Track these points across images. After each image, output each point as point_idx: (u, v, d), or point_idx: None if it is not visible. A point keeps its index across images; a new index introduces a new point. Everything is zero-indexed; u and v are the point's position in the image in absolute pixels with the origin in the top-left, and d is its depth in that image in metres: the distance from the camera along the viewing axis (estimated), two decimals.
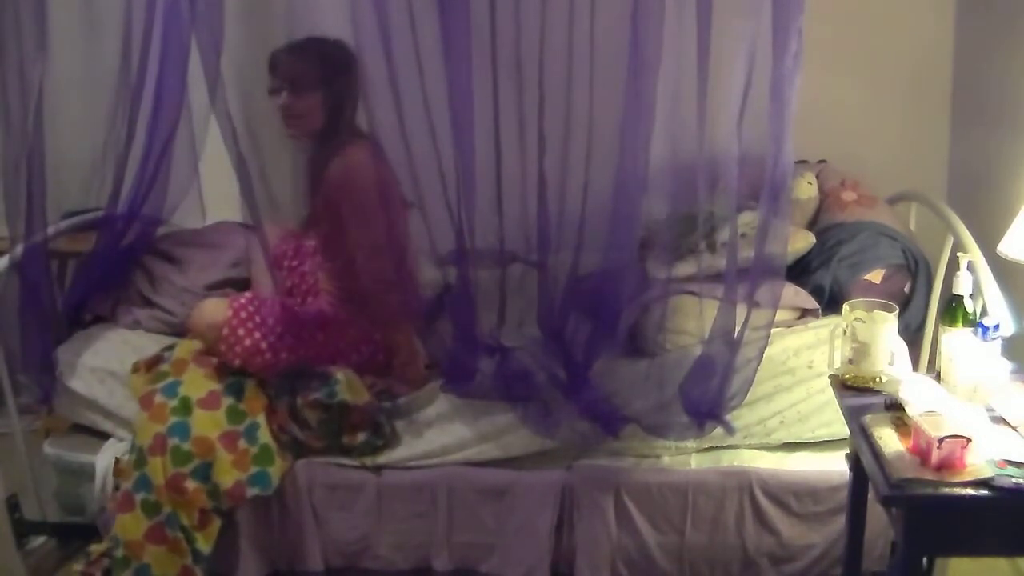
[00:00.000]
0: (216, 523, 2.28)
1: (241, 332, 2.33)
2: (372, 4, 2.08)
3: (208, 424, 2.28)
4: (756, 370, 2.18)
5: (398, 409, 2.38)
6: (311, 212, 2.49)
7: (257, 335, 2.33)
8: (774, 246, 2.10)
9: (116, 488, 2.33)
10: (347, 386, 2.33)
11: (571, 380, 2.28)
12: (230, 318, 2.33)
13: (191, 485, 2.25)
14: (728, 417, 2.24)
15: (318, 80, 2.33)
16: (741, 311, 2.15)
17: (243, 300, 2.38)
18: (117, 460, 2.36)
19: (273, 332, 2.34)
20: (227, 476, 2.26)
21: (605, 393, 2.27)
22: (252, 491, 2.27)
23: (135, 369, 2.44)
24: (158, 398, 2.31)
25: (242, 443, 2.29)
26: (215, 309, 2.37)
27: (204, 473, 2.26)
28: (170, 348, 2.46)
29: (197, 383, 2.33)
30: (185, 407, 2.30)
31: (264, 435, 2.31)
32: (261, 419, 2.32)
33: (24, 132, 2.39)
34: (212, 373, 2.36)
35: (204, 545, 2.26)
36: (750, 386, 2.20)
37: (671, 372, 2.27)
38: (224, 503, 2.27)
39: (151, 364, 2.42)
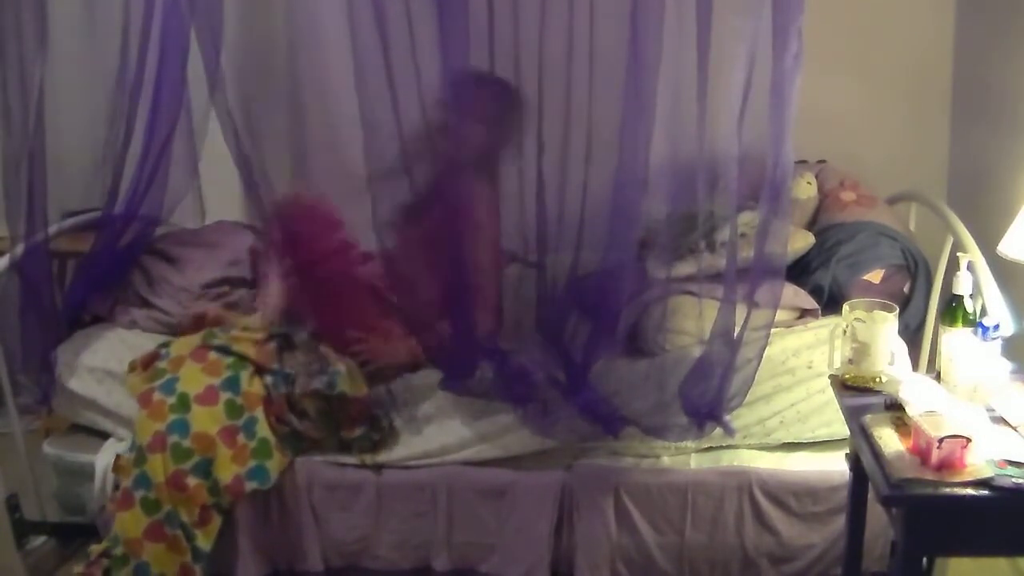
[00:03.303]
0: (216, 521, 2.28)
1: None
2: (371, 4, 2.08)
3: (207, 420, 2.28)
4: (756, 370, 2.17)
5: (394, 399, 2.37)
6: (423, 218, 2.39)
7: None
8: (774, 246, 2.09)
9: (116, 487, 2.33)
10: (347, 378, 2.32)
11: (571, 381, 2.27)
12: None
13: (192, 482, 2.25)
14: (728, 418, 2.24)
15: (485, 114, 2.36)
16: (741, 311, 2.14)
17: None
18: (118, 457, 2.36)
19: None
20: (226, 471, 2.26)
21: (605, 394, 2.26)
22: (250, 485, 2.27)
23: (132, 368, 2.43)
24: (156, 396, 2.31)
25: (241, 438, 2.29)
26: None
27: (205, 469, 2.26)
28: (166, 345, 2.45)
29: (194, 379, 2.33)
30: (183, 404, 2.29)
31: (262, 429, 2.31)
32: (259, 413, 2.32)
33: (25, 132, 2.39)
34: (208, 368, 2.35)
35: (204, 543, 2.26)
36: (750, 386, 2.20)
37: (671, 373, 2.27)
38: (224, 498, 2.27)
39: (147, 362, 2.42)
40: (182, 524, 2.25)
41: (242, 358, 2.36)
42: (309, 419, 2.33)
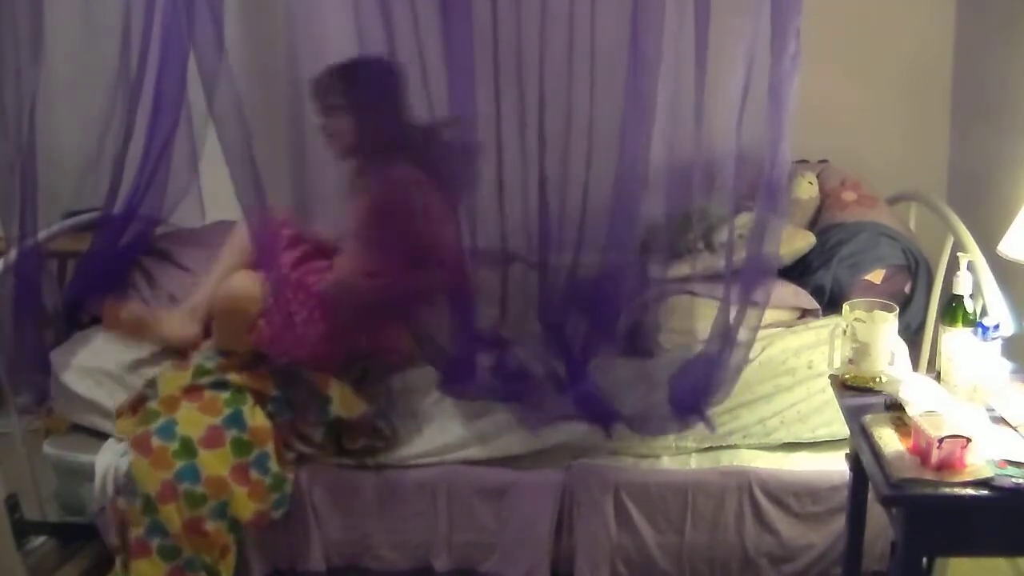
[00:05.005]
0: (234, 549, 2.24)
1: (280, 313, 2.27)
2: (376, 4, 2.08)
3: (216, 463, 2.21)
4: (743, 366, 2.17)
5: (394, 403, 2.37)
6: (347, 227, 2.44)
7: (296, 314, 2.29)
8: (769, 246, 2.09)
9: (117, 493, 2.31)
10: (341, 402, 2.30)
11: (568, 375, 2.27)
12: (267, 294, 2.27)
13: (211, 526, 2.19)
14: (710, 414, 2.23)
15: (346, 102, 2.32)
16: (737, 310, 2.14)
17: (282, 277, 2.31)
18: (116, 500, 2.27)
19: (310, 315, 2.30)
20: (246, 510, 2.21)
21: (599, 390, 2.26)
22: (275, 515, 2.25)
23: (119, 414, 2.38)
24: (155, 441, 2.22)
25: (254, 474, 2.23)
26: (245, 283, 2.31)
27: (221, 511, 2.21)
28: (152, 385, 2.38)
29: (193, 420, 2.25)
30: (187, 449, 2.21)
31: (275, 464, 2.26)
32: (270, 448, 2.26)
33: (19, 133, 2.39)
34: (206, 406, 2.27)
35: (226, 574, 2.24)
36: (736, 382, 2.19)
37: (664, 371, 2.27)
38: (244, 534, 2.25)
39: (136, 405, 2.36)
40: (205, 565, 2.20)
41: (240, 388, 2.30)
42: (315, 445, 2.32)
